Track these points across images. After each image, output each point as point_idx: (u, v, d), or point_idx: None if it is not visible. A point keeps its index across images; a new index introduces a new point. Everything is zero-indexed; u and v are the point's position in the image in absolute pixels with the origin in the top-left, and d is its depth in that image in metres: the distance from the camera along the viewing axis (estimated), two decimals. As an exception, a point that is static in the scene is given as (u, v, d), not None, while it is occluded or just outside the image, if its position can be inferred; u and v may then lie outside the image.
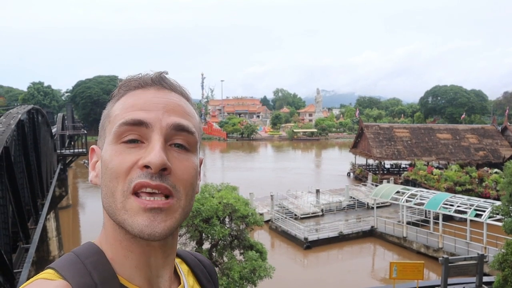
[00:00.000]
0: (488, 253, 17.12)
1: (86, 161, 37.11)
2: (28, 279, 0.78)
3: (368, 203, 28.09)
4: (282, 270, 15.53)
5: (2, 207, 8.63)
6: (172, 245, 0.84)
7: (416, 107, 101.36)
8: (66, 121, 37.01)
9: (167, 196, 0.75)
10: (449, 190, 28.42)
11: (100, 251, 0.79)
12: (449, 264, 12.43)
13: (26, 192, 12.00)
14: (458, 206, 20.09)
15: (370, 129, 40.72)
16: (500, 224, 14.79)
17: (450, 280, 12.88)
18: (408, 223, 22.28)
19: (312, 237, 21.86)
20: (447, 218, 21.80)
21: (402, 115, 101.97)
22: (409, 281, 13.81)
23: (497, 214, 14.81)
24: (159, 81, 0.84)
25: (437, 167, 35.89)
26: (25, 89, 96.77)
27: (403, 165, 40.55)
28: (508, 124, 42.78)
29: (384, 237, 22.69)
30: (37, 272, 0.76)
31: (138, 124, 0.77)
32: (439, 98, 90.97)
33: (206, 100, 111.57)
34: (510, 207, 13.10)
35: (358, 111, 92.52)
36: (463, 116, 79.33)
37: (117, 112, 0.81)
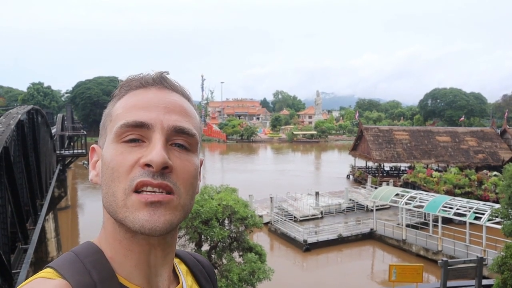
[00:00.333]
0: (488, 256, 17.11)
1: (86, 162, 37.08)
2: (26, 279, 0.78)
3: (367, 205, 28.09)
4: (281, 273, 15.52)
5: (1, 207, 8.61)
6: (171, 244, 0.84)
7: (415, 110, 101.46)
8: (65, 122, 37.02)
9: (168, 193, 0.76)
10: (448, 192, 28.43)
11: (99, 250, 0.79)
12: (448, 267, 12.42)
13: (25, 192, 11.99)
14: (457, 209, 20.08)
15: (370, 132, 40.76)
16: (499, 227, 14.80)
17: (449, 283, 12.86)
18: (408, 225, 22.29)
19: (312, 239, 21.84)
20: (447, 220, 21.79)
21: (402, 117, 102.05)
22: (409, 284, 13.79)
23: (496, 217, 14.83)
24: (160, 81, 0.84)
25: (437, 170, 35.89)
26: (24, 90, 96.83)
27: (402, 168, 40.56)
28: (507, 127, 42.82)
29: (383, 240, 22.68)
30: (35, 273, 0.76)
31: (140, 126, 0.77)
32: (438, 100, 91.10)
33: (206, 101, 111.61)
34: (509, 210, 13.10)
35: (357, 114, 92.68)
36: (461, 118, 79.44)
37: (119, 112, 0.81)
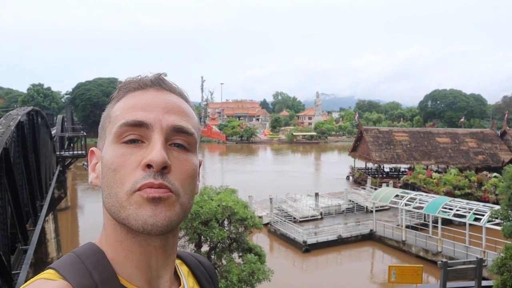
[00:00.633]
0: (487, 257, 17.11)
1: (85, 163, 37.05)
2: (26, 280, 0.78)
3: (367, 206, 28.08)
4: (281, 273, 15.52)
5: (1, 208, 8.62)
6: (172, 245, 0.84)
7: (415, 111, 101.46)
8: (65, 123, 36.98)
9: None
10: (448, 194, 28.42)
11: (100, 252, 0.79)
12: (448, 268, 12.41)
13: (25, 193, 11.99)
14: (457, 210, 20.08)
15: (370, 133, 40.76)
16: (499, 228, 14.78)
17: (449, 284, 12.86)
18: (407, 226, 22.27)
19: (311, 240, 21.82)
20: (446, 222, 21.78)
21: (402, 119, 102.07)
22: (408, 285, 13.79)
23: (496, 218, 14.81)
24: (158, 83, 0.85)
25: (436, 171, 35.89)
26: (25, 91, 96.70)
27: (402, 169, 40.56)
28: (507, 128, 42.80)
29: (383, 241, 22.66)
30: (35, 274, 0.76)
31: (139, 125, 0.78)
32: (438, 102, 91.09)
33: (205, 102, 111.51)
34: (509, 211, 13.10)
35: (357, 115, 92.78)
36: (461, 120, 79.44)
37: (118, 113, 0.81)
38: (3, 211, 8.69)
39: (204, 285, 0.97)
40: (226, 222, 11.09)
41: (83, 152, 27.11)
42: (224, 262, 10.64)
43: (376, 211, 24.46)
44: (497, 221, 15.80)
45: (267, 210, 26.00)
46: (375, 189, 29.97)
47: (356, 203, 29.16)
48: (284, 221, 24.12)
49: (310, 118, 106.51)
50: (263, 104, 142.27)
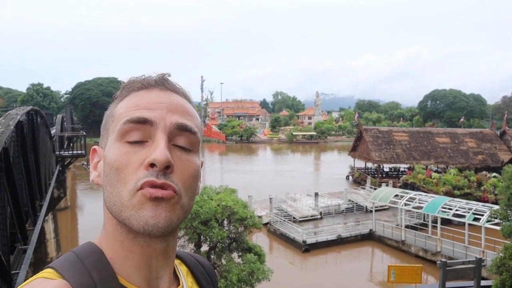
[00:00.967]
0: (486, 257, 17.14)
1: (85, 163, 37.02)
2: (25, 280, 0.78)
3: (366, 206, 28.09)
4: (280, 273, 15.52)
5: (1, 208, 8.62)
6: (173, 246, 0.84)
7: (415, 111, 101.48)
8: (65, 123, 36.92)
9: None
10: (447, 194, 28.44)
11: (99, 251, 0.79)
12: (447, 268, 12.42)
13: (24, 193, 11.98)
14: (456, 210, 20.09)
15: (369, 133, 40.78)
16: (498, 228, 14.79)
17: (448, 284, 12.87)
18: (407, 226, 22.29)
19: (311, 240, 21.83)
20: (446, 222, 21.81)
21: (401, 118, 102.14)
22: (407, 285, 13.80)
23: (495, 218, 14.82)
24: (162, 83, 0.85)
25: (436, 171, 35.91)
26: (24, 91, 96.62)
27: (402, 169, 40.59)
28: (507, 128, 42.82)
29: (382, 241, 22.68)
30: (34, 273, 0.76)
31: (143, 122, 0.78)
32: (438, 102, 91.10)
33: (205, 102, 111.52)
34: (508, 211, 13.10)
35: (357, 115, 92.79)
36: (461, 120, 79.47)
37: (121, 111, 0.82)
38: (3, 211, 8.69)
39: (203, 285, 0.97)
40: (225, 222, 11.10)
41: (83, 151, 27.10)
42: (223, 261, 10.65)
43: (376, 211, 24.48)
44: (496, 221, 15.81)
45: (266, 210, 26.00)
46: (375, 189, 29.98)
47: (356, 203, 29.18)
48: (284, 221, 24.12)
49: (310, 118, 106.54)
50: (263, 104, 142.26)
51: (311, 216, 26.50)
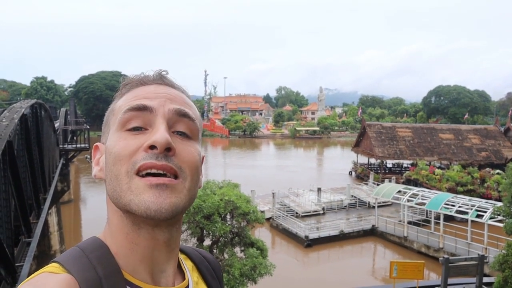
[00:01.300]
0: (489, 254, 17.11)
1: (88, 156, 37.14)
2: (29, 273, 0.78)
3: (369, 202, 28.09)
4: (283, 268, 15.56)
5: (5, 201, 8.66)
6: (176, 238, 0.85)
7: (419, 107, 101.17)
8: (68, 116, 37.00)
9: (174, 177, 0.76)
10: (450, 190, 28.37)
11: (104, 246, 0.79)
12: (450, 264, 12.43)
13: (28, 186, 12.04)
14: (459, 207, 20.06)
15: (373, 128, 40.68)
16: (501, 225, 14.77)
17: (450, 280, 12.88)
18: (409, 222, 22.28)
19: (313, 235, 21.87)
20: (448, 218, 21.78)
21: (405, 114, 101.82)
22: (409, 281, 13.81)
23: (498, 215, 14.79)
24: (160, 79, 0.88)
25: (439, 167, 35.84)
26: (28, 84, 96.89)
27: (405, 165, 40.50)
28: (511, 125, 42.61)
29: (385, 237, 22.69)
30: (38, 266, 0.76)
31: (143, 108, 0.80)
32: (442, 98, 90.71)
33: (209, 97, 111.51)
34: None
35: (360, 110, 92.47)
36: (465, 116, 79.14)
37: (121, 104, 0.84)
38: (7, 204, 8.74)
39: (208, 280, 0.97)
40: (228, 217, 11.12)
41: (86, 145, 27.19)
42: (226, 256, 10.69)
43: (378, 206, 24.48)
44: (499, 218, 15.77)
45: (269, 204, 26.05)
46: (378, 184, 29.97)
47: (359, 199, 29.18)
48: (286, 215, 24.16)
49: (313, 113, 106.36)
50: (266, 99, 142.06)
51: (313, 212, 26.52)
